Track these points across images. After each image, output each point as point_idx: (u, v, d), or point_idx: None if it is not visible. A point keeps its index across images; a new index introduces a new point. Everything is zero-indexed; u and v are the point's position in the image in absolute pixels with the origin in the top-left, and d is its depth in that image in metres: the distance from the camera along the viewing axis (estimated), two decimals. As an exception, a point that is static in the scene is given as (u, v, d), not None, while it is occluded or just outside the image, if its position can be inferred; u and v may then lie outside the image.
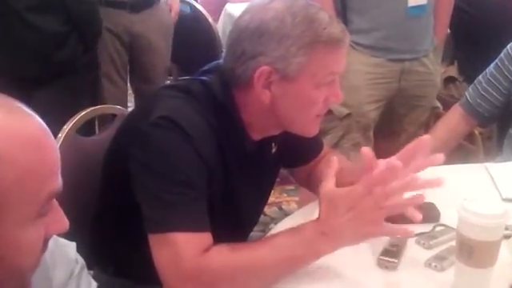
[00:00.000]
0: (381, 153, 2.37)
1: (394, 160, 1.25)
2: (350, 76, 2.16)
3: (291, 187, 3.23)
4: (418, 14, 2.26)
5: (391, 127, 2.45)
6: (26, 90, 2.29)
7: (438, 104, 2.55)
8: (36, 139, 0.80)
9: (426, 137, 1.34)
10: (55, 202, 0.84)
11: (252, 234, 1.61)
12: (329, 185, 1.27)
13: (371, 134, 2.36)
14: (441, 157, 1.28)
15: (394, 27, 2.26)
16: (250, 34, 1.29)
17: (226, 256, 1.23)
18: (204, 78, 1.37)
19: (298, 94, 1.31)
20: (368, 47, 2.27)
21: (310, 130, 1.41)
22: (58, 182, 0.83)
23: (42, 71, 2.39)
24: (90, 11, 2.48)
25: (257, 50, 1.28)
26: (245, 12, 1.33)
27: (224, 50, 1.36)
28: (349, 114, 2.28)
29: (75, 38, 2.41)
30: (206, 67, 1.42)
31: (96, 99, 2.55)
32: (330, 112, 2.05)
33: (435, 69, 2.43)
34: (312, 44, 1.27)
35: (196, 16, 3.50)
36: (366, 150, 1.26)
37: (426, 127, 2.48)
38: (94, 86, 2.62)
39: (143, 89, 3.25)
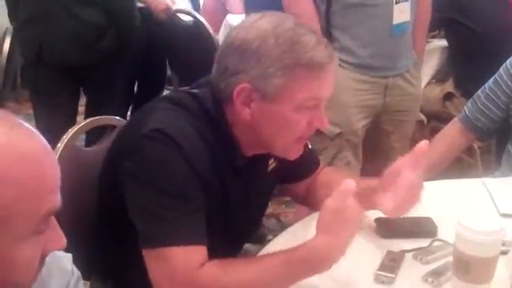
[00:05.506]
0: (370, 174, 2.37)
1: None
2: (339, 94, 2.15)
3: (289, 199, 3.21)
4: (402, 32, 2.26)
5: (379, 146, 2.44)
6: (76, 76, 2.77)
7: (423, 117, 2.55)
8: (37, 157, 0.80)
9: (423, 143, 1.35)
10: (53, 220, 0.84)
11: (250, 246, 1.60)
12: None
13: (360, 152, 2.36)
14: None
15: (379, 46, 2.25)
16: (233, 51, 1.29)
17: (219, 273, 1.22)
18: (195, 91, 1.37)
19: (277, 115, 1.30)
20: (353, 65, 2.26)
21: (290, 153, 1.38)
22: (57, 200, 0.82)
23: (87, 59, 2.72)
24: (125, 8, 2.78)
25: (238, 67, 1.28)
26: (233, 28, 1.34)
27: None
28: (340, 133, 2.27)
29: (113, 32, 2.73)
30: (199, 81, 1.42)
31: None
32: (320, 132, 2.04)
33: (417, 82, 2.45)
34: (292, 66, 1.26)
35: (197, 27, 3.51)
36: None
37: (412, 142, 2.48)
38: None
39: None
